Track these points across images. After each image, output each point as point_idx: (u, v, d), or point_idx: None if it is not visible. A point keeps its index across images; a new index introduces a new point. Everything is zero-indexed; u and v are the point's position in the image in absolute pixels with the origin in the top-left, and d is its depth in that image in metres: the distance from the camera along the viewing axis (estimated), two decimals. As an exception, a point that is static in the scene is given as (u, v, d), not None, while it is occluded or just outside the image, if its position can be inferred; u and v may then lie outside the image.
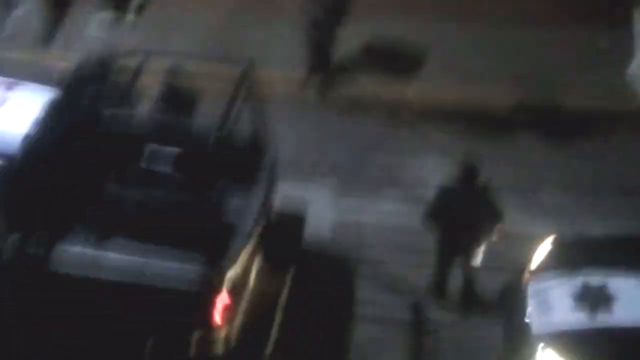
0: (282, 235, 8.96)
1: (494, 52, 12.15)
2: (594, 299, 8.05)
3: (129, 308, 7.74)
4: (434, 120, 11.23)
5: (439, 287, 9.24)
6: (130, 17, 12.43)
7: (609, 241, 8.97)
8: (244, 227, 8.10)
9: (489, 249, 9.02)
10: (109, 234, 7.87)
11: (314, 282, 9.21)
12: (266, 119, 8.59)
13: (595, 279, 8.18)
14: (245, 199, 8.37)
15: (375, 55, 11.64)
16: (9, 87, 8.40)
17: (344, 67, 11.68)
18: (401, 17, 12.24)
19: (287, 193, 9.34)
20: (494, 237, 8.94)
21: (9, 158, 7.78)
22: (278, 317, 8.50)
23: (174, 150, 8.57)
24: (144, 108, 9.50)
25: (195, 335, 7.74)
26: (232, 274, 7.78)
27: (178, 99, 9.60)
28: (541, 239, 8.99)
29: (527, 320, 8.18)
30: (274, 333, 8.39)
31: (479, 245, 8.96)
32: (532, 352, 7.95)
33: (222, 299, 7.71)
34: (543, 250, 8.84)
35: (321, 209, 9.95)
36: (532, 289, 8.38)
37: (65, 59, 10.89)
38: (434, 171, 10.30)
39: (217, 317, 7.71)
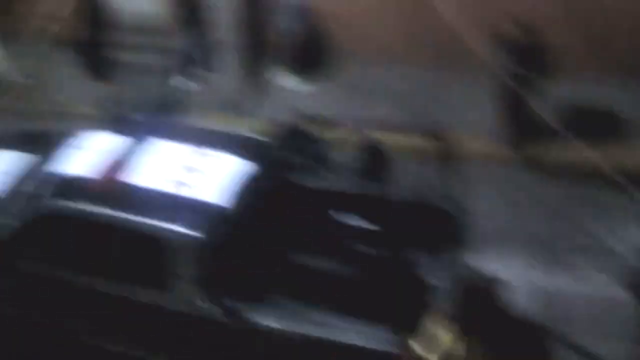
0: (476, 302, 8.82)
1: None
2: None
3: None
4: (636, 188, 10.81)
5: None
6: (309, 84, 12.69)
7: None
8: (439, 298, 8.03)
9: None
10: (302, 304, 7.98)
11: (507, 352, 9.02)
12: (460, 187, 8.51)
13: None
14: (441, 263, 8.33)
15: (576, 117, 11.35)
16: (205, 157, 8.65)
17: (546, 129, 11.42)
18: (603, 76, 11.92)
19: (482, 260, 9.20)
20: None
21: (220, 211, 8.02)
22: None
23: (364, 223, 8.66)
24: (339, 176, 9.64)
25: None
26: (425, 345, 7.69)
27: (372, 165, 9.71)
28: None
29: None
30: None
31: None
32: None
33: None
34: None
35: (516, 279, 9.67)
36: None
37: (258, 126, 11.41)
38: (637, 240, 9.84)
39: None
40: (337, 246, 8.45)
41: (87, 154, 8.77)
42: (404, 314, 7.59)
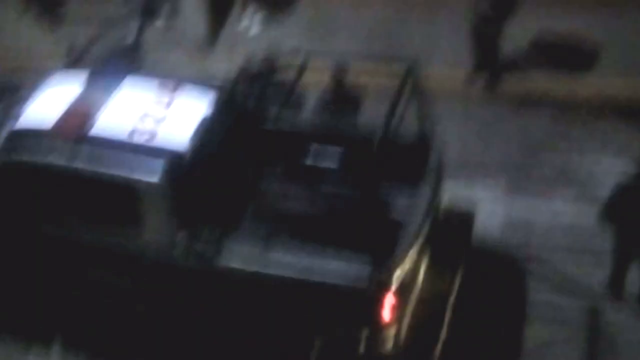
0: (451, 234, 8.78)
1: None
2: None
3: (298, 305, 7.80)
4: (607, 118, 10.80)
5: (616, 287, 8.86)
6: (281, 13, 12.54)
7: None
8: (412, 226, 8.00)
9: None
10: (276, 232, 7.96)
11: (483, 282, 9.00)
12: (432, 117, 8.44)
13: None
14: (412, 197, 8.27)
15: (545, 51, 11.27)
16: (174, 89, 8.58)
17: (512, 63, 11.36)
18: (571, 10, 11.86)
19: (454, 192, 9.15)
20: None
21: (177, 156, 7.94)
22: (447, 317, 8.33)
23: (339, 148, 8.64)
24: (308, 107, 9.62)
25: (364, 334, 7.70)
26: (400, 272, 7.68)
27: (342, 97, 9.65)
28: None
29: None
30: (443, 333, 8.22)
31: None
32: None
33: (391, 298, 7.62)
34: None
35: (490, 208, 9.71)
36: None
37: (227, 60, 11.21)
38: (609, 170, 9.90)
39: (386, 315, 7.63)
40: (306, 186, 8.39)
41: (45, 105, 8.61)
42: (376, 249, 7.55)
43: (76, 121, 8.28)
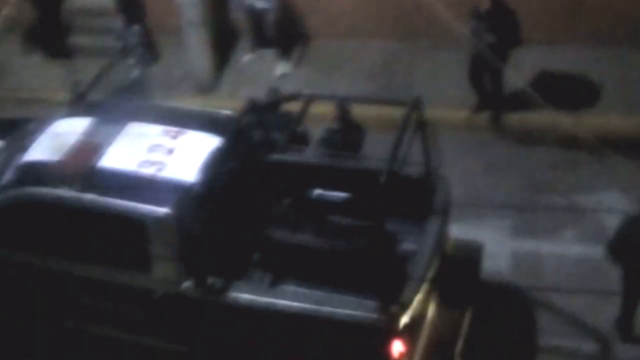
0: (458, 272, 8.67)
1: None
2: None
3: (306, 341, 7.74)
4: (611, 155, 10.80)
5: (626, 326, 8.81)
6: (287, 65, 12.59)
7: None
8: (420, 263, 7.92)
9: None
10: (284, 267, 7.93)
11: (491, 323, 8.93)
12: (437, 156, 8.42)
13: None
14: (419, 233, 8.20)
15: (547, 87, 11.29)
16: (182, 120, 8.58)
17: (515, 99, 11.39)
18: (574, 47, 11.95)
19: (460, 232, 9.09)
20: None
21: (186, 188, 7.90)
22: (456, 357, 8.24)
23: (342, 195, 8.60)
24: (313, 140, 9.67)
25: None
26: (408, 315, 7.58)
27: (346, 129, 9.66)
28: None
29: None
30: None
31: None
32: None
33: (399, 337, 7.53)
34: None
35: (496, 249, 9.58)
36: None
37: (231, 98, 11.23)
38: (614, 207, 9.85)
39: (395, 353, 7.52)
40: (314, 219, 8.33)
41: (52, 139, 8.60)
42: (383, 283, 7.47)
43: (85, 153, 8.26)
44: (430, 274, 7.97)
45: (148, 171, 8.07)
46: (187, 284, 7.85)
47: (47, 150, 8.45)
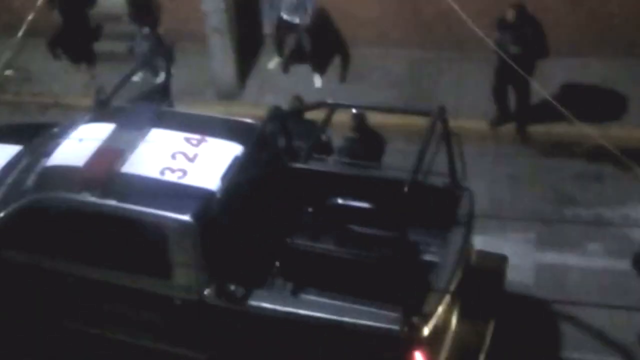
0: (482, 285, 8.59)
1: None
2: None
3: (329, 350, 7.69)
4: (638, 165, 10.67)
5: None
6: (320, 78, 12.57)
7: None
8: (444, 272, 7.85)
9: None
10: (307, 274, 7.89)
11: (515, 336, 8.83)
12: (461, 166, 8.35)
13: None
14: (443, 243, 8.15)
15: (573, 99, 11.21)
16: (205, 127, 8.56)
17: (541, 108, 11.31)
18: (600, 56, 11.90)
19: (485, 243, 9.03)
20: None
21: (208, 194, 7.87)
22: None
23: (364, 204, 8.53)
24: (336, 147, 9.64)
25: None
26: (430, 325, 7.50)
27: (364, 145, 9.60)
28: None
29: None
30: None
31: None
32: None
33: (421, 352, 7.47)
34: None
35: (521, 258, 9.55)
36: None
37: (255, 105, 11.20)
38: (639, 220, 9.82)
39: (418, 362, 7.49)
40: (336, 228, 8.31)
41: (75, 144, 8.59)
42: (406, 293, 7.41)
43: (107, 159, 8.26)
44: (453, 285, 7.89)
45: (170, 178, 8.06)
46: (208, 292, 7.83)
47: (69, 156, 8.46)
